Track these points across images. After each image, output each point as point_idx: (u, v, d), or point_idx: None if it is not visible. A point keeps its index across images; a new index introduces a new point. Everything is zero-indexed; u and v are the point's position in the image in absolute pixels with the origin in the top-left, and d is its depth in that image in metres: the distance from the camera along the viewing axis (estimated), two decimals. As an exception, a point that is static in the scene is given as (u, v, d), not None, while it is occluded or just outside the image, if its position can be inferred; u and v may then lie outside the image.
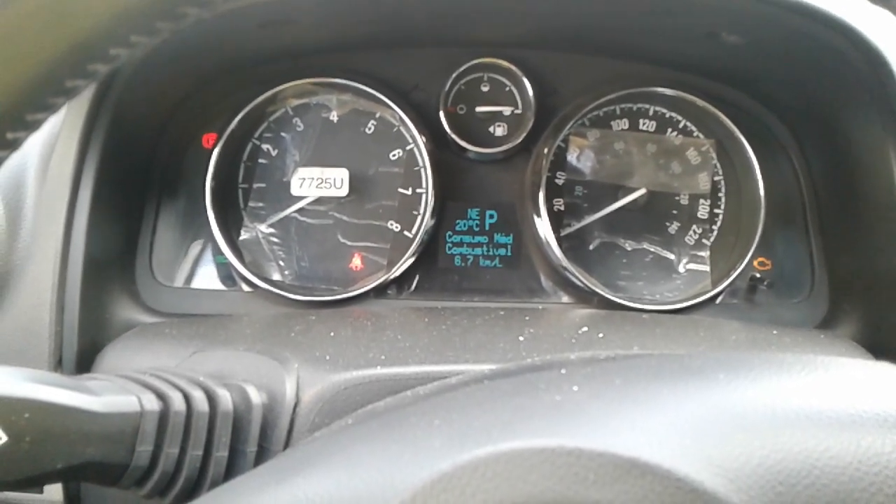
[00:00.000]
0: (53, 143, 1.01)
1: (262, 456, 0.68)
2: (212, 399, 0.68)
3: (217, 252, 1.20)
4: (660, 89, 1.20)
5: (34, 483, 0.61)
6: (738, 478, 0.42)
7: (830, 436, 0.44)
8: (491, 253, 1.26)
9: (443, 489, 0.40)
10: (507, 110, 1.26)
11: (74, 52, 0.40)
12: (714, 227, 1.26)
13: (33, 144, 1.03)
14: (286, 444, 0.68)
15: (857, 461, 0.43)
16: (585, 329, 0.88)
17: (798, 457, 0.43)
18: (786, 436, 0.44)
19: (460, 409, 0.50)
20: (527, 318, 0.97)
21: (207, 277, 1.22)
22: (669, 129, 1.26)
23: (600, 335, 0.85)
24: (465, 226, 1.26)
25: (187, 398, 0.67)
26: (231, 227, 1.23)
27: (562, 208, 1.26)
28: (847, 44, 0.97)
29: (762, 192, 1.18)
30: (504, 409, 0.49)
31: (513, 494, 0.40)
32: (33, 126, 0.43)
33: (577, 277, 1.17)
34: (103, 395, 0.64)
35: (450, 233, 1.26)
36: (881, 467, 0.43)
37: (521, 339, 0.82)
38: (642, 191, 1.23)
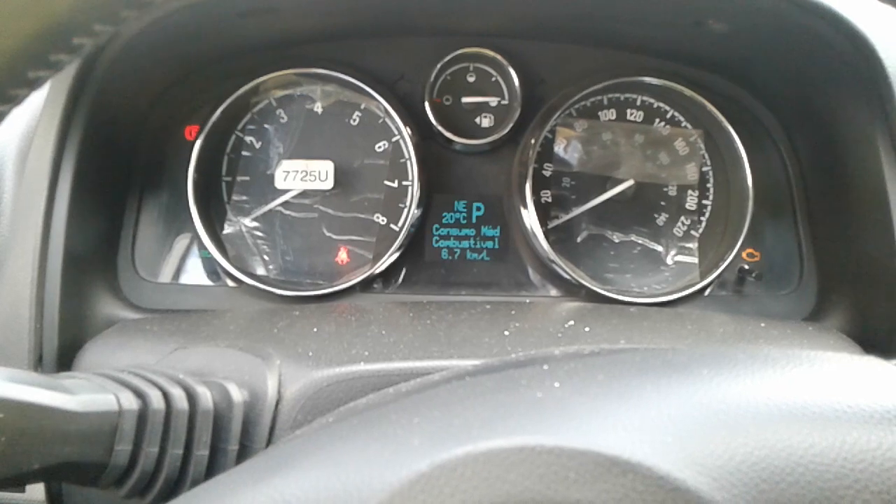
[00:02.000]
0: (32, 136, 1.00)
1: (243, 454, 0.68)
2: (192, 397, 0.67)
3: (200, 247, 1.19)
4: (647, 79, 1.19)
5: (11, 483, 0.60)
6: (720, 476, 0.41)
7: (815, 432, 0.44)
8: (478, 246, 1.25)
9: (421, 490, 0.40)
10: (493, 101, 1.25)
11: (36, 41, 0.39)
12: (702, 219, 1.26)
13: (11, 137, 1.02)
14: (268, 442, 0.68)
15: (843, 458, 0.43)
16: (572, 323, 0.88)
17: (782, 454, 0.42)
18: (769, 432, 0.43)
19: (440, 406, 0.50)
20: (513, 312, 0.97)
21: (191, 272, 1.21)
22: (657, 120, 1.26)
23: (586, 329, 0.85)
24: (451, 218, 1.25)
25: (166, 396, 0.66)
26: (214, 220, 1.22)
27: (549, 200, 1.25)
28: (834, 31, 0.96)
29: (750, 182, 1.18)
30: (484, 407, 0.48)
31: (492, 494, 0.40)
32: (-4, 118, 0.42)
33: (564, 270, 1.17)
34: (80, 394, 0.63)
35: (436, 226, 1.25)
36: (867, 464, 0.43)
37: (506, 333, 0.81)
38: (630, 182, 1.22)
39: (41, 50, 0.40)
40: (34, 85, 0.42)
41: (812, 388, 0.47)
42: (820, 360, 0.51)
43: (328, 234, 1.23)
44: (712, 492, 0.40)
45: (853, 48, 0.96)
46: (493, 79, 1.25)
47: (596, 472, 0.40)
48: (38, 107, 1.01)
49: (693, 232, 1.26)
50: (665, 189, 1.25)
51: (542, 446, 0.41)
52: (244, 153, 1.23)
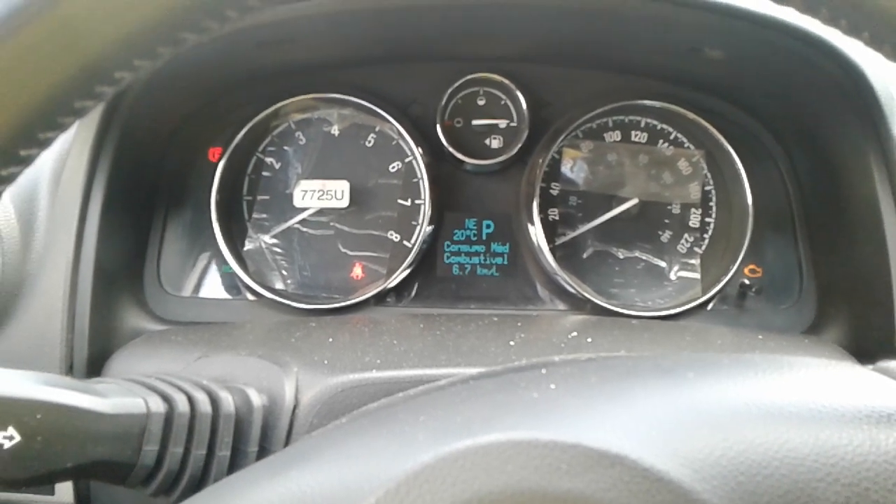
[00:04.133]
0: (65, 159, 1.05)
1: (262, 456, 0.70)
2: (214, 401, 0.70)
3: (222, 262, 1.23)
4: (650, 102, 1.22)
5: (46, 481, 0.63)
6: (701, 468, 0.43)
7: (790, 430, 0.46)
8: (488, 262, 1.28)
9: (425, 479, 0.42)
10: (502, 123, 1.28)
11: (83, 75, 0.42)
12: (705, 236, 1.28)
13: (45, 159, 1.06)
14: (286, 444, 0.70)
15: (815, 453, 0.45)
16: (575, 334, 0.90)
17: (758, 449, 0.44)
18: (747, 429, 0.45)
19: (444, 405, 0.53)
20: (519, 324, 0.99)
21: (213, 287, 1.25)
22: (661, 141, 1.28)
23: (589, 340, 0.87)
24: (462, 235, 1.28)
25: (191, 400, 0.69)
26: (236, 237, 1.26)
27: (556, 218, 1.28)
28: (826, 59, 0.98)
29: (751, 200, 1.20)
30: (485, 406, 0.51)
31: (490, 484, 0.42)
32: (45, 144, 0.46)
33: (570, 285, 1.19)
34: (111, 398, 0.66)
35: (448, 242, 1.28)
36: (838, 459, 0.45)
37: (511, 343, 0.84)
38: (635, 200, 1.25)
39: (87, 82, 0.44)
40: (80, 114, 0.46)
41: (789, 390, 0.50)
42: (798, 365, 0.53)
43: (344, 250, 1.27)
44: (693, 483, 0.42)
45: (845, 75, 0.99)
46: (503, 102, 1.28)
47: (586, 464, 0.42)
48: (70, 132, 1.05)
49: (696, 248, 1.28)
50: (669, 207, 1.28)
51: (537, 440, 0.43)
52: (264, 173, 1.28)
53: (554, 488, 0.42)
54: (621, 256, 1.28)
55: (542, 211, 1.25)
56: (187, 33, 0.46)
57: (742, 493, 0.44)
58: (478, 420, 0.48)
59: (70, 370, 0.98)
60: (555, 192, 1.28)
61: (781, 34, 0.97)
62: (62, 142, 1.06)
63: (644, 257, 1.28)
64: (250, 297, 1.23)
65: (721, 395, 0.49)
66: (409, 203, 1.27)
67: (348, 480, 0.46)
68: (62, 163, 1.05)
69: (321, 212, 1.27)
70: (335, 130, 1.28)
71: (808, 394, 0.49)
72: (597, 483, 0.42)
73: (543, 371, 0.57)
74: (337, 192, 1.25)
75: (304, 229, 1.27)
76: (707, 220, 1.28)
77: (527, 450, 0.43)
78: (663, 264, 1.28)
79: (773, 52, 1.03)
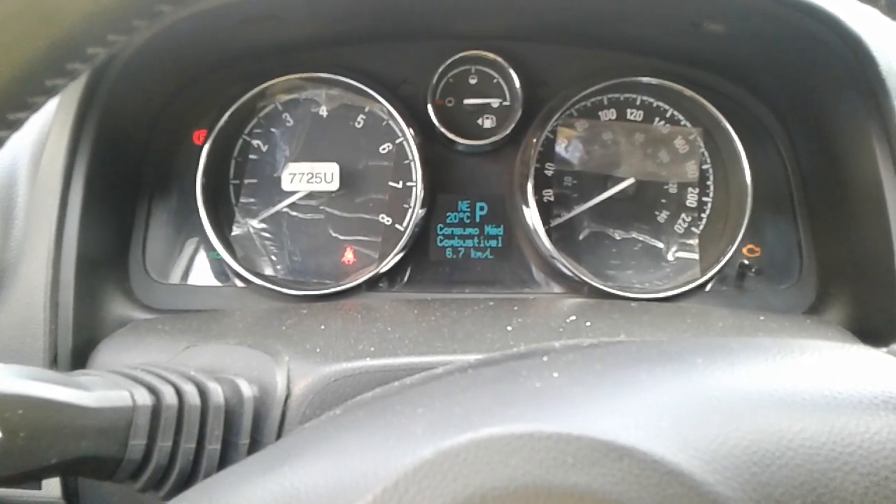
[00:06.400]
0: (44, 143, 1.02)
1: (254, 448, 0.69)
2: (203, 393, 0.69)
3: (209, 248, 1.21)
4: (646, 79, 1.20)
5: (30, 478, 0.61)
6: (713, 459, 0.42)
7: (805, 417, 0.45)
8: (482, 245, 1.27)
9: (424, 475, 0.41)
10: (495, 102, 1.27)
11: (53, 51, 0.41)
12: (703, 215, 1.27)
13: (24, 144, 1.04)
14: (278, 436, 0.69)
15: (832, 442, 0.44)
16: (573, 318, 0.89)
17: (772, 438, 0.43)
18: (760, 418, 0.44)
19: (443, 396, 0.51)
20: (515, 308, 0.98)
21: (201, 273, 1.23)
22: (657, 119, 1.27)
23: (588, 324, 0.86)
24: (455, 218, 1.27)
25: (179, 392, 0.68)
26: (223, 222, 1.24)
27: (551, 199, 1.26)
28: (829, 33, 0.97)
29: (749, 179, 1.19)
30: (485, 396, 0.49)
31: (493, 479, 0.41)
32: (15, 125, 0.44)
33: (566, 267, 1.18)
34: (96, 391, 0.64)
35: (441, 225, 1.27)
36: (855, 447, 0.44)
37: (509, 328, 0.83)
38: (631, 180, 1.24)
39: (58, 59, 0.42)
40: (52, 92, 0.44)
41: (802, 375, 0.48)
42: (811, 349, 0.52)
43: (334, 234, 1.25)
44: (705, 475, 0.41)
45: (848, 49, 0.97)
46: (495, 80, 1.26)
47: (593, 456, 0.41)
48: (49, 115, 1.02)
49: (694, 228, 1.27)
50: (665, 187, 1.27)
51: (541, 432, 0.42)
52: (251, 156, 1.25)
53: (560, 482, 0.41)
54: (618, 237, 1.27)
55: (537, 192, 1.24)
56: (164, 5, 0.43)
57: (756, 485, 0.42)
58: (478, 412, 0.47)
59: (54, 362, 0.96)
60: (549, 173, 1.27)
61: (784, 6, 0.95)
62: (41, 125, 1.04)
63: (641, 238, 1.27)
64: (239, 283, 1.22)
65: (732, 382, 0.48)
66: (400, 185, 1.25)
67: (344, 477, 0.44)
68: (41, 147, 1.02)
69: (311, 195, 1.25)
70: (323, 111, 1.26)
71: (823, 379, 0.48)
72: (605, 476, 0.41)
73: (545, 358, 0.55)
74: (326, 175, 1.22)
75: (294, 213, 1.25)
76: (705, 199, 1.27)
77: (530, 443, 0.42)
78: (661, 245, 1.26)
79: (776, 25, 1.01)
